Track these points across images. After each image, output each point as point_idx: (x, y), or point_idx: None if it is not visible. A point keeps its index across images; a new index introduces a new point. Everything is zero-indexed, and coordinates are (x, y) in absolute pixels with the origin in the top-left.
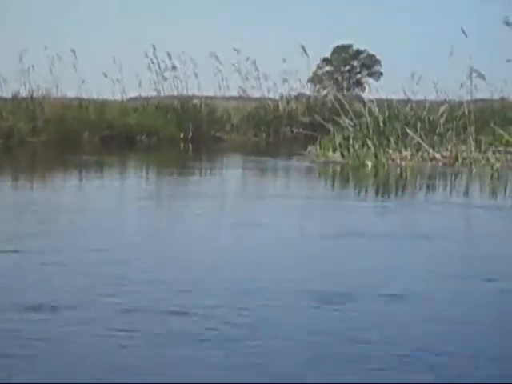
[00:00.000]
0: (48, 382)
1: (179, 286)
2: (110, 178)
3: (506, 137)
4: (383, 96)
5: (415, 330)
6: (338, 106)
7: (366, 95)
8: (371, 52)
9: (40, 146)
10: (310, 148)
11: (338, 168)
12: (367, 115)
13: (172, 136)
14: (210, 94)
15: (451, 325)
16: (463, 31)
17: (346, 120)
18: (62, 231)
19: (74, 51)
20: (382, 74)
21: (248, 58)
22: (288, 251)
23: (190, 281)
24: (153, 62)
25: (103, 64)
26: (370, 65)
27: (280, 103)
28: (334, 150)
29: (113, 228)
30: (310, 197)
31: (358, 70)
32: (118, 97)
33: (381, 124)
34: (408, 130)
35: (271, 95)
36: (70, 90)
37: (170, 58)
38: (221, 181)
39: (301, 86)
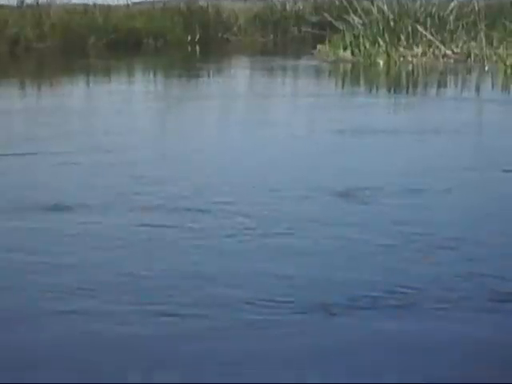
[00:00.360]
0: (75, 274)
1: (193, 185)
2: (118, 81)
3: None
4: None
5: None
6: (346, 4)
7: None
8: None
9: (46, 51)
10: (319, 47)
11: (349, 66)
12: (376, 13)
13: (179, 39)
14: None
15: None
16: None
17: (355, 18)
18: (73, 133)
19: None
20: None
21: None
22: (297, 149)
23: (205, 181)
24: None
25: None
26: None
27: (287, 3)
28: (345, 49)
29: (124, 130)
30: (321, 95)
31: None
32: (122, 2)
33: (391, 21)
34: (419, 27)
35: None
36: None
37: None
38: (230, 81)
39: None
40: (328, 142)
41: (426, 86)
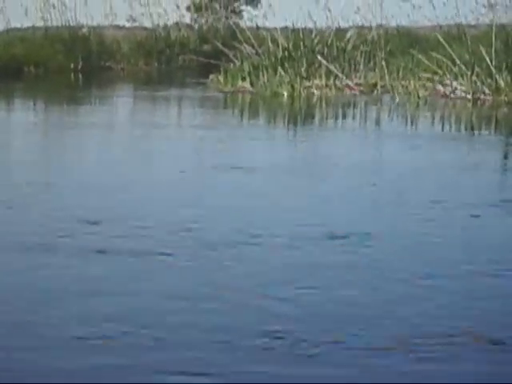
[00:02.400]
0: None
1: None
2: None
3: (428, 63)
4: (267, 25)
5: None
6: (237, 33)
7: (243, 23)
8: None
9: None
10: (212, 77)
11: (249, 97)
12: (270, 42)
13: (61, 66)
14: (99, 22)
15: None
16: None
17: (247, 47)
18: None
19: None
20: (259, 1)
21: None
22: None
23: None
24: None
25: None
26: None
27: (171, 31)
28: (243, 79)
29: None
30: (214, 126)
31: None
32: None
33: (287, 51)
34: (319, 57)
35: (162, 23)
36: None
37: None
38: (113, 111)
39: (179, 15)
40: (199, 179)
41: (328, 118)
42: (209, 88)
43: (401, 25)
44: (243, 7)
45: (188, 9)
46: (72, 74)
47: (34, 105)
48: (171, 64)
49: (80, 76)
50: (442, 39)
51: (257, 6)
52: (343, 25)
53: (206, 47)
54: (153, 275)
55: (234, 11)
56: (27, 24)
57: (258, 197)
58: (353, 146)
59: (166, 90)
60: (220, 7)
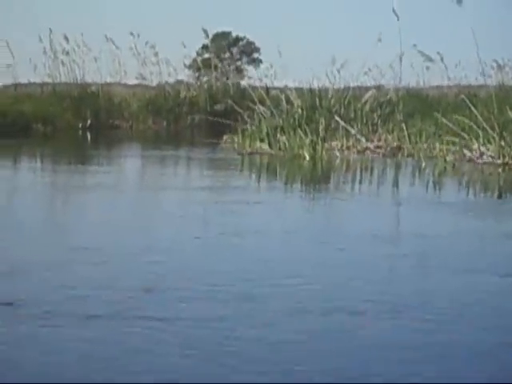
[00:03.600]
0: None
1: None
2: (1, 168)
3: (453, 126)
4: (276, 84)
5: None
6: (244, 94)
7: (245, 82)
8: (251, 39)
9: None
10: (226, 137)
11: (267, 159)
12: (285, 103)
13: (69, 124)
14: (108, 80)
15: None
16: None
17: (261, 107)
18: None
19: None
20: (261, 61)
21: (147, 43)
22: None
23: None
24: (51, 46)
25: None
26: (249, 52)
27: (181, 89)
28: (261, 140)
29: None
30: (232, 190)
31: (237, 56)
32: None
33: (304, 112)
34: (337, 119)
35: (171, 81)
36: None
37: (68, 42)
38: (122, 172)
39: (182, 73)
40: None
41: (351, 183)
42: (223, 149)
43: (411, 85)
44: (245, 66)
45: (190, 67)
46: (80, 132)
47: (42, 165)
48: (180, 123)
49: (88, 134)
50: (467, 101)
51: (259, 65)
52: (355, 84)
53: (215, 106)
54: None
55: (236, 70)
56: (35, 80)
57: (279, 265)
58: (378, 212)
59: (178, 150)
60: (222, 66)
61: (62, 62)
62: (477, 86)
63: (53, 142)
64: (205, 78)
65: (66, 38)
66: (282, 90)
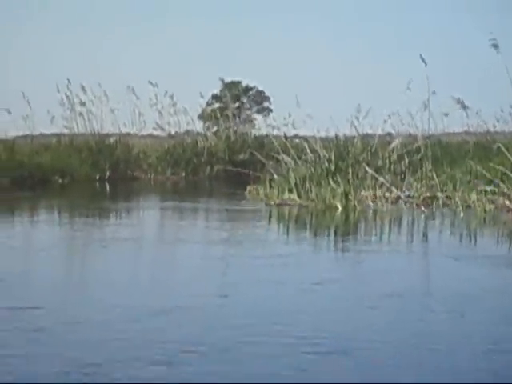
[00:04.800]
0: None
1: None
2: (21, 222)
3: (488, 174)
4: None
5: None
6: (263, 144)
7: (255, 132)
8: (260, 88)
9: None
10: (250, 187)
11: (297, 210)
12: (310, 152)
13: (87, 176)
14: (126, 130)
15: None
16: (422, 59)
17: (285, 157)
18: None
19: None
20: (271, 110)
21: (166, 93)
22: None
23: None
24: (67, 97)
25: (9, 99)
26: (260, 101)
27: (199, 140)
28: (290, 190)
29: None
30: (264, 243)
31: (247, 106)
32: (24, 132)
33: (332, 162)
34: (367, 168)
35: (182, 131)
36: None
37: (85, 93)
38: (143, 224)
39: (191, 122)
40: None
41: (387, 235)
42: (248, 199)
43: (434, 132)
44: (255, 116)
45: (200, 117)
46: (98, 184)
47: (60, 218)
48: (199, 173)
49: (107, 186)
50: (503, 148)
51: (268, 114)
52: (380, 132)
53: (239, 156)
54: None
55: (246, 120)
56: (52, 131)
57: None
58: (419, 266)
59: (201, 201)
60: (233, 116)
61: (80, 113)
62: (494, 133)
63: (71, 193)
64: (214, 128)
65: (84, 89)
66: (302, 138)
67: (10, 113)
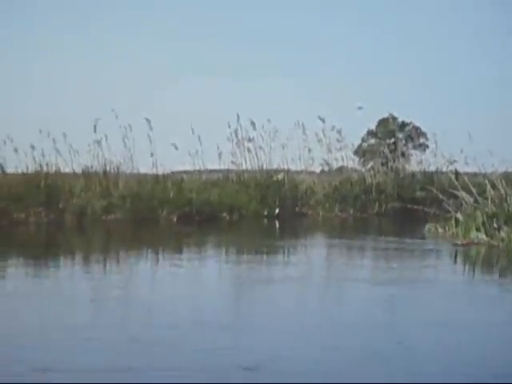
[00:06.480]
0: None
1: None
2: (188, 259)
3: None
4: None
5: None
6: (452, 179)
7: (410, 167)
8: (416, 124)
9: (115, 223)
10: (429, 226)
11: (486, 250)
12: (491, 189)
13: (255, 212)
14: (294, 166)
15: None
16: None
17: (464, 194)
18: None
19: (148, 120)
20: (427, 146)
21: (333, 128)
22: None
23: None
24: (236, 132)
25: (179, 135)
26: (415, 137)
27: (366, 176)
28: (477, 229)
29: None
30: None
31: (403, 142)
32: (190, 168)
33: None
34: None
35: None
36: (142, 163)
37: (255, 128)
38: (314, 263)
39: (346, 158)
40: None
41: None
42: (428, 238)
43: None
44: (411, 151)
45: (356, 153)
46: (266, 220)
47: (228, 255)
48: (368, 210)
49: (276, 222)
50: None
51: (424, 150)
52: None
53: (404, 193)
54: None
55: (402, 155)
56: (217, 167)
57: None
58: None
59: (375, 239)
60: (389, 151)
61: (249, 149)
62: None
63: (240, 230)
64: (370, 164)
65: (253, 124)
66: (480, 174)
67: (176, 148)
